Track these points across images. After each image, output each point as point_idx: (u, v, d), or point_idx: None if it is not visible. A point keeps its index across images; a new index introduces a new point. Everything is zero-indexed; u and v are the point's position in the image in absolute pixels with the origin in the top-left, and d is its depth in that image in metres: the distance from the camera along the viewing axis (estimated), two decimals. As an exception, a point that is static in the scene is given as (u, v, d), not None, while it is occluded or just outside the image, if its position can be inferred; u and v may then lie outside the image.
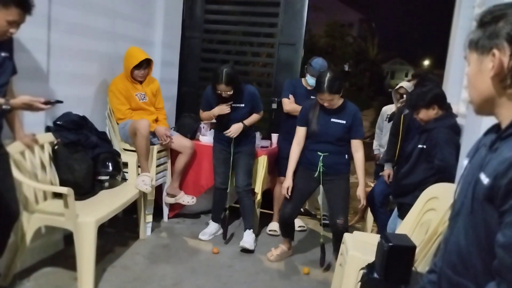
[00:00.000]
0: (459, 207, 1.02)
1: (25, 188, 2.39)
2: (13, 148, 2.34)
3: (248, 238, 3.30)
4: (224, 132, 3.19)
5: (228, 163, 3.31)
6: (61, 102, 2.27)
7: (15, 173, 2.24)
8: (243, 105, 3.20)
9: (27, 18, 2.03)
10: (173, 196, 3.61)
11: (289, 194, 2.95)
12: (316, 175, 2.90)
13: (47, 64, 2.72)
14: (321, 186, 3.00)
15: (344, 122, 2.86)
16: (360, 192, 2.91)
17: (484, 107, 0.98)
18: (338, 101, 2.83)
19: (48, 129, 2.78)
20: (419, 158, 2.56)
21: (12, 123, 2.36)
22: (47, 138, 2.72)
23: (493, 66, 0.90)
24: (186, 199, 3.58)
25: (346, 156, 2.94)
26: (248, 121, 3.24)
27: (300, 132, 3.00)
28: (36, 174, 2.53)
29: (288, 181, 2.97)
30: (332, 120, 2.87)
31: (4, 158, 2.16)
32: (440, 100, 2.56)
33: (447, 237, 1.08)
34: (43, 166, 2.63)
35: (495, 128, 0.99)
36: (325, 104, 2.81)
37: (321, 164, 2.88)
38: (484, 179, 0.89)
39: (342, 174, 2.92)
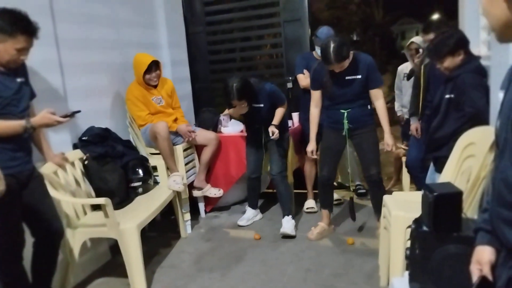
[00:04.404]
0: (503, 144, 0.98)
1: (65, 206, 2.45)
2: (46, 169, 2.39)
3: (287, 225, 3.23)
4: (268, 138, 3.15)
5: (259, 151, 3.32)
6: (78, 111, 2.29)
7: (52, 192, 2.29)
8: (262, 104, 3.14)
9: (35, 41, 2.04)
10: (200, 189, 3.61)
11: (314, 156, 3.05)
12: (343, 132, 2.89)
13: (63, 82, 2.75)
14: (348, 151, 3.01)
15: (360, 76, 2.79)
16: (388, 140, 2.88)
17: (505, 33, 0.93)
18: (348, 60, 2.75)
19: (75, 146, 2.83)
20: (448, 109, 2.47)
21: (40, 146, 2.40)
22: (76, 155, 2.77)
23: None
24: (213, 192, 3.60)
25: (369, 106, 2.91)
26: (277, 119, 3.13)
27: (316, 95, 2.99)
28: (72, 190, 2.59)
29: (312, 144, 3.03)
30: (347, 78, 2.80)
31: (39, 180, 2.20)
32: (465, 44, 2.45)
33: (494, 177, 1.04)
34: (77, 183, 2.68)
35: None
36: (336, 70, 2.76)
37: (346, 121, 2.86)
38: None
39: (368, 126, 2.90)
